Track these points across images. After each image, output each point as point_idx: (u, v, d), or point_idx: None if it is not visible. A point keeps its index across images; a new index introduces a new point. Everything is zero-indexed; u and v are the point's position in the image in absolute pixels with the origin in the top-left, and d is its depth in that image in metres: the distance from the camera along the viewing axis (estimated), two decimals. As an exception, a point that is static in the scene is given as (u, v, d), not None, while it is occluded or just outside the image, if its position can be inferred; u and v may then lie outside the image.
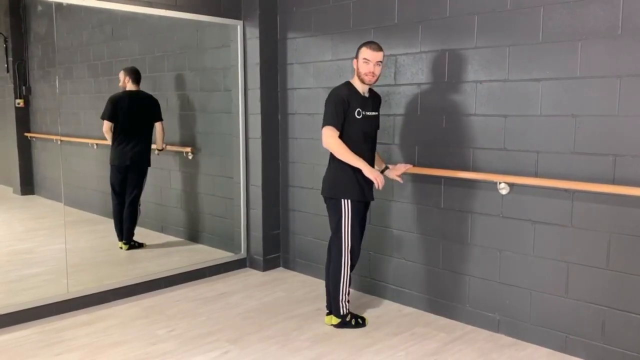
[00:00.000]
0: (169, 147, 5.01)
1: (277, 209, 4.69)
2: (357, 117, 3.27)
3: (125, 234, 4.79)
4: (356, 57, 3.29)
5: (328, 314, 3.52)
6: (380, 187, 3.26)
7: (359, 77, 3.29)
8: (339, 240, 3.37)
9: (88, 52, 5.17)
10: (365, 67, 3.23)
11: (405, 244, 3.81)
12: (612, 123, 2.82)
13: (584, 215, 2.95)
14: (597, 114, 2.87)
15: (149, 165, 4.88)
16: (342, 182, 3.32)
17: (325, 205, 3.47)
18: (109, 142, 4.73)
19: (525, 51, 3.09)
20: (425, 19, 3.53)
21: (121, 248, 4.77)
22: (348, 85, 3.33)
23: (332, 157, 3.35)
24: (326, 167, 3.44)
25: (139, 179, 4.83)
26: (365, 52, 3.23)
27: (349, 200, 3.32)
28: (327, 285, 3.52)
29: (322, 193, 3.45)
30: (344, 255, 3.37)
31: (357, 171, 3.27)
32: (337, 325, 3.44)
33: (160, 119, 4.84)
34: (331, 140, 3.24)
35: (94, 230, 5.12)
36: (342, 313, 3.44)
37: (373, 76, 3.26)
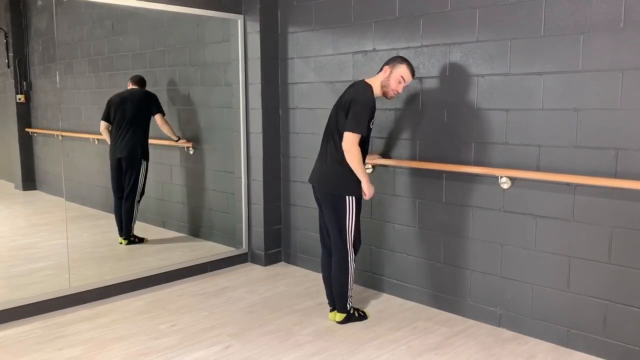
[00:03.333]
0: (168, 143, 5.01)
1: (278, 204, 4.70)
2: (371, 127, 3.24)
3: (124, 229, 4.80)
4: (391, 66, 3.23)
5: (332, 310, 3.51)
6: (368, 198, 3.29)
7: (382, 87, 3.24)
8: (343, 238, 3.31)
9: (89, 47, 5.16)
10: (397, 85, 3.23)
11: (406, 238, 3.80)
12: (614, 117, 2.81)
13: (586, 209, 2.95)
14: (599, 107, 2.86)
15: (145, 159, 4.83)
16: (349, 179, 3.24)
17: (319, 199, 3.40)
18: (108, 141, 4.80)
19: (527, 45, 3.08)
20: (427, 13, 3.51)
21: (121, 243, 4.79)
22: (372, 91, 3.24)
23: (342, 155, 3.23)
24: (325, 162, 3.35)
25: (133, 172, 4.78)
26: (406, 72, 3.23)
27: (354, 197, 3.29)
28: (327, 282, 3.48)
29: (322, 189, 3.35)
30: (349, 253, 3.35)
31: None
32: (343, 321, 3.43)
33: (158, 111, 4.83)
34: (354, 148, 3.15)
35: (96, 225, 5.13)
36: (348, 308, 3.44)
37: (396, 95, 3.28)
